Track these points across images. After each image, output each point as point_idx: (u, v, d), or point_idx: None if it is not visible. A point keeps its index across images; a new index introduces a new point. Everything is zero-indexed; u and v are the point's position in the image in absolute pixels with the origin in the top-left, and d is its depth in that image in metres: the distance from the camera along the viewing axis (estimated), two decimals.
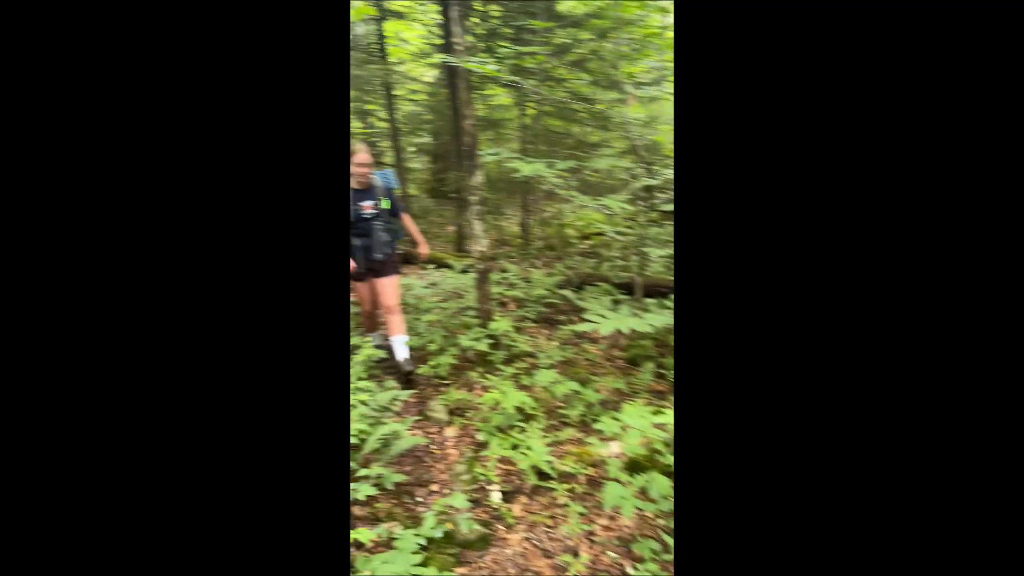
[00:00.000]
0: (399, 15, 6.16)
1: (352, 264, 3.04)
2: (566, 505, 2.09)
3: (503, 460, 2.36)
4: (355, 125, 8.51)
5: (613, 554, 1.88)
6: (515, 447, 2.41)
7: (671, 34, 4.24)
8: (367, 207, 3.02)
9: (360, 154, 2.95)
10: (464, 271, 4.98)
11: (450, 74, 5.59)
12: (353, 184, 2.98)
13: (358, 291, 3.19)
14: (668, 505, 1.86)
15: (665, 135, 5.70)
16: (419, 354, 3.42)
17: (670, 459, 2.03)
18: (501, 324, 3.06)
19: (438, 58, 5.15)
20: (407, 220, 3.23)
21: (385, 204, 3.07)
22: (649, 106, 6.55)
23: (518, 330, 3.59)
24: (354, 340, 3.37)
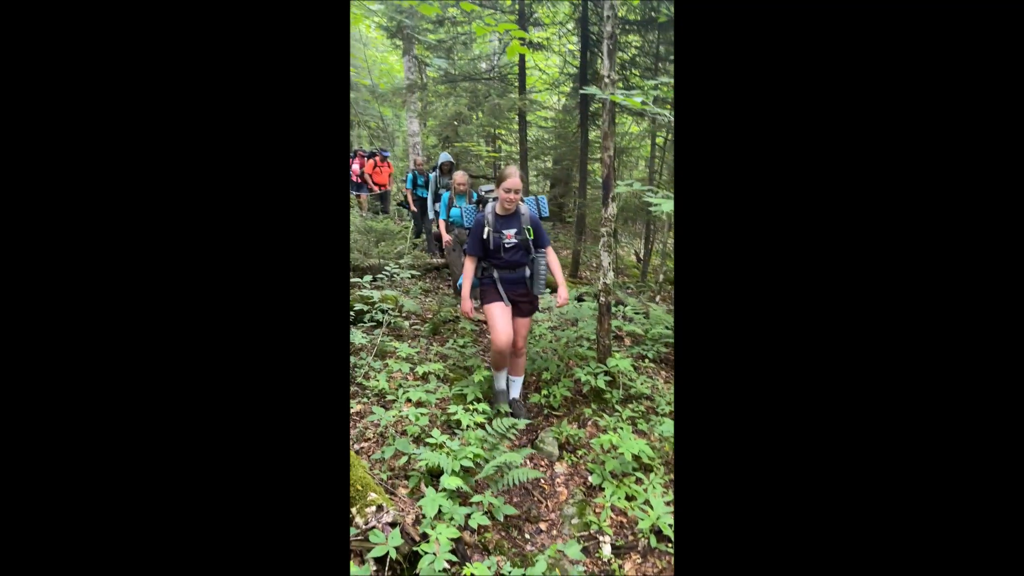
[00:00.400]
0: (539, 46, 6.38)
1: (491, 294, 2.75)
2: None
3: (616, 510, 2.23)
4: (483, 148, 8.94)
5: None
6: (630, 498, 2.26)
7: None
8: (510, 235, 2.70)
9: (512, 178, 2.63)
10: (579, 299, 4.91)
11: (584, 103, 5.63)
12: (498, 209, 2.72)
13: (495, 327, 2.71)
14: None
15: None
16: (533, 380, 3.40)
17: None
18: (621, 362, 2.93)
19: (576, 89, 5.21)
20: (551, 255, 2.84)
21: (529, 234, 2.73)
22: None
23: (636, 369, 3.43)
24: (470, 361, 3.45)
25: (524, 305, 2.82)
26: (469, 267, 2.78)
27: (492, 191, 2.98)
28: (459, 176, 4.65)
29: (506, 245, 2.70)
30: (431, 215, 5.50)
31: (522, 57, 6.16)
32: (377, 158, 7.88)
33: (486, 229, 2.68)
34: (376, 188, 7.97)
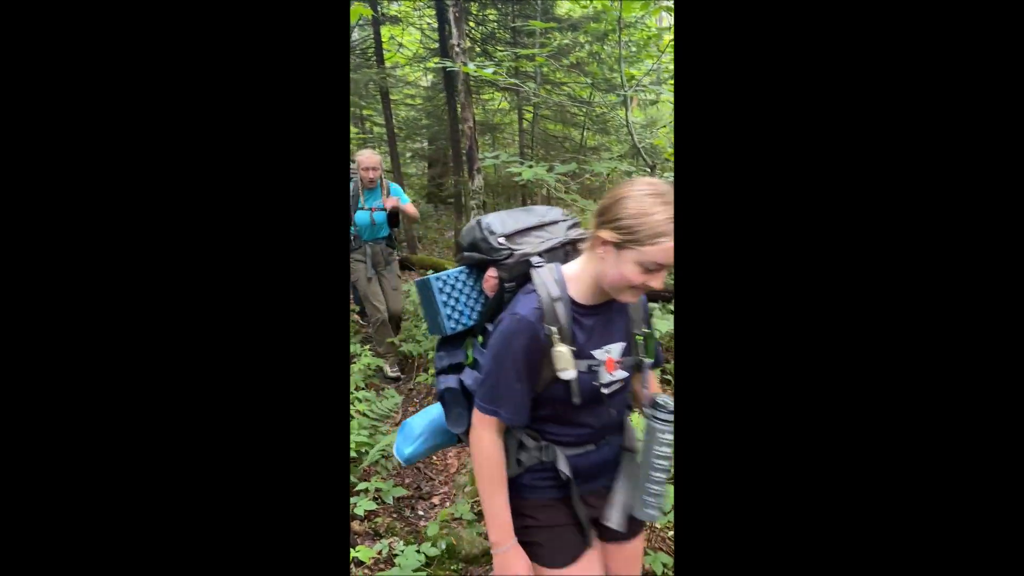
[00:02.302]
0: (396, 19, 6.14)
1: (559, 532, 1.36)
2: None
3: None
4: (352, 130, 8.48)
5: None
6: None
7: (670, 36, 4.22)
8: (611, 362, 0.95)
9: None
10: None
11: (448, 78, 5.56)
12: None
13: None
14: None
15: (665, 138, 5.68)
16: (418, 362, 3.36)
17: None
18: None
19: (436, 63, 5.12)
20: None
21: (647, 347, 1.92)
22: (648, 109, 6.54)
23: None
24: (353, 348, 3.31)
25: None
26: (497, 455, 0.99)
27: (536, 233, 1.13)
28: (365, 157, 2.98)
29: (606, 381, 1.00)
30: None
31: (376, 29, 5.89)
32: None
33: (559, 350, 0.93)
34: None
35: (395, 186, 3.23)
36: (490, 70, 2.72)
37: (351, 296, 3.62)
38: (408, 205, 3.20)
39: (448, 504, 2.16)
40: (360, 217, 3.08)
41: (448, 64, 2.67)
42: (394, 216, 3.12)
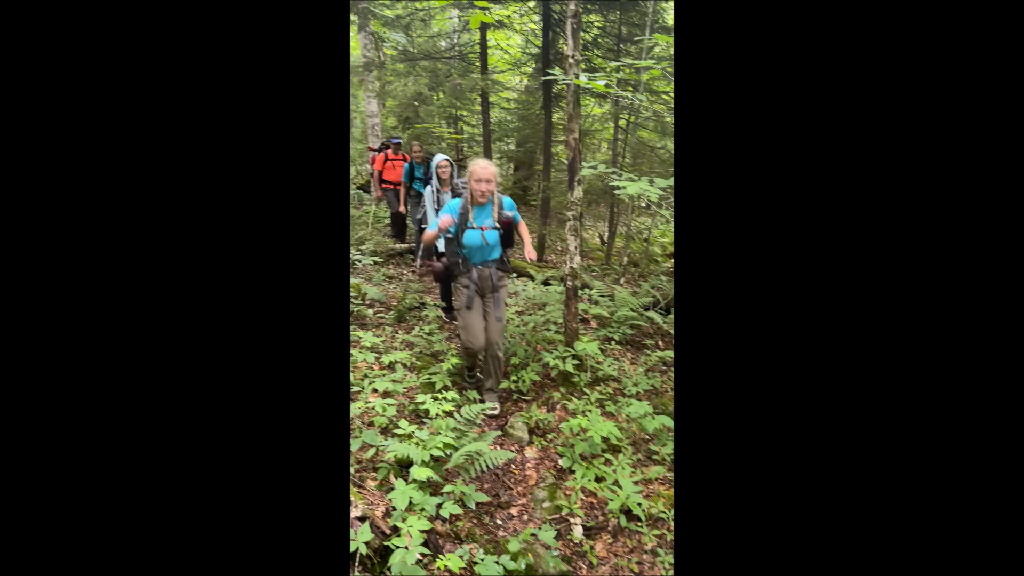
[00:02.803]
0: (500, 24, 6.24)
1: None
2: (655, 553, 1.95)
3: (586, 491, 2.26)
4: (444, 130, 8.76)
5: None
6: (599, 479, 2.30)
7: None
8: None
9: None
10: (546, 283, 4.91)
11: (547, 85, 5.57)
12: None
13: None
14: None
15: None
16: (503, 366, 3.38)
17: None
18: (588, 345, 2.95)
19: (538, 71, 5.13)
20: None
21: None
22: None
23: (603, 352, 3.47)
24: (438, 346, 3.40)
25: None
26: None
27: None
28: (480, 168, 2.74)
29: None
30: (421, 215, 4.14)
31: (483, 35, 6.01)
32: (389, 151, 5.87)
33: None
34: (384, 189, 5.93)
35: (508, 200, 2.85)
36: (602, 82, 2.68)
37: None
38: (522, 224, 2.89)
39: (525, 516, 2.15)
40: (469, 237, 2.70)
41: (559, 75, 2.66)
42: (508, 235, 2.82)
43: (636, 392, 2.97)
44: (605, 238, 6.86)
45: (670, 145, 6.62)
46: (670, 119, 6.05)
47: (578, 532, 2.08)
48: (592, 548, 2.00)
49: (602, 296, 4.46)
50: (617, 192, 2.94)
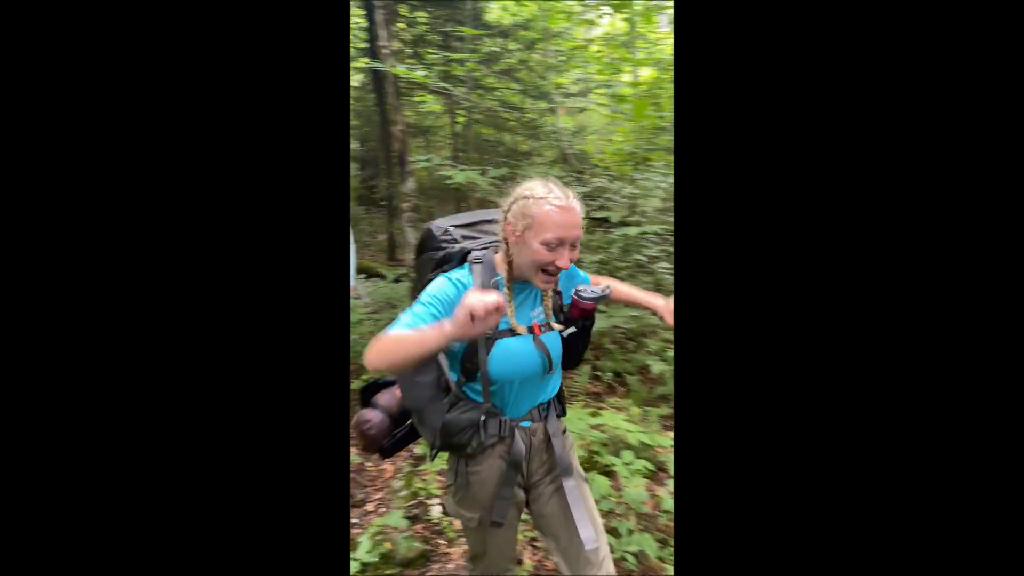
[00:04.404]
0: None
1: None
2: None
3: (442, 472, 2.31)
4: None
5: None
6: None
7: (594, 48, 4.41)
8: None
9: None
10: (397, 280, 4.85)
11: (377, 80, 5.46)
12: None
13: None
14: (607, 504, 1.90)
15: (593, 144, 5.91)
16: (351, 368, 3.27)
17: (608, 459, 2.07)
18: None
19: (363, 63, 5.01)
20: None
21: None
22: (577, 116, 6.77)
23: None
24: None
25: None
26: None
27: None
28: (561, 216, 0.95)
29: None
30: None
31: None
32: None
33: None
34: None
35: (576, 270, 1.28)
36: (421, 73, 2.73)
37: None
38: (612, 281, 1.32)
39: (383, 509, 2.13)
40: (506, 354, 1.04)
41: (377, 65, 2.65)
42: (582, 339, 1.16)
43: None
44: None
45: (507, 139, 6.95)
46: (506, 115, 6.37)
47: (436, 511, 2.12)
48: (451, 523, 2.06)
49: None
50: (448, 183, 3.03)
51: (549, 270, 1.01)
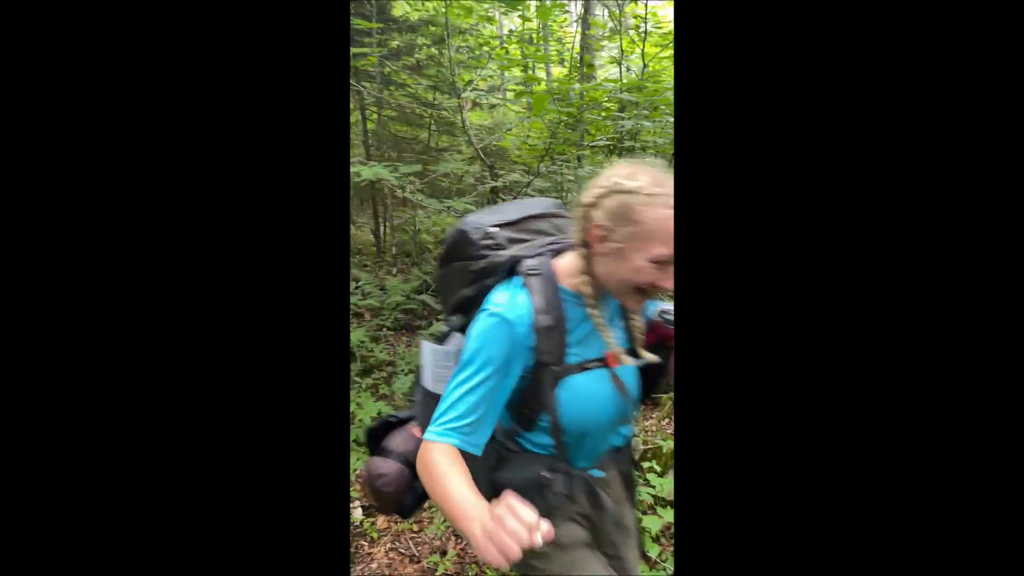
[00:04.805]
0: None
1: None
2: (429, 507, 2.08)
3: (362, 475, 2.27)
4: None
5: None
6: None
7: (507, 47, 4.48)
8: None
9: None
10: None
11: None
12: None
13: None
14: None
15: (510, 140, 6.00)
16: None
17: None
18: (355, 335, 2.92)
19: None
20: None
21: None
22: (491, 112, 6.84)
23: (375, 340, 3.48)
24: None
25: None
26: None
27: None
28: (659, 232, 0.88)
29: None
30: None
31: None
32: None
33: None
34: None
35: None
36: None
37: None
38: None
39: None
40: (582, 392, 0.84)
41: None
42: (658, 372, 0.97)
43: (409, 370, 3.08)
44: (375, 232, 6.79)
45: (422, 136, 6.87)
46: (419, 111, 6.29)
47: (357, 514, 2.09)
48: (373, 524, 2.04)
49: (373, 287, 4.45)
50: (357, 180, 2.96)
51: (648, 291, 0.78)
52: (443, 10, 4.16)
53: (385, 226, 6.63)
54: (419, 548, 1.95)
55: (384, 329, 3.76)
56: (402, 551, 1.94)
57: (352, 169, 2.99)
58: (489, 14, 3.22)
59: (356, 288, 4.42)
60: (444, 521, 2.01)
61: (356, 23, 3.69)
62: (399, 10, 5.68)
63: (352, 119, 7.38)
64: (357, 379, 2.97)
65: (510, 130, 6.15)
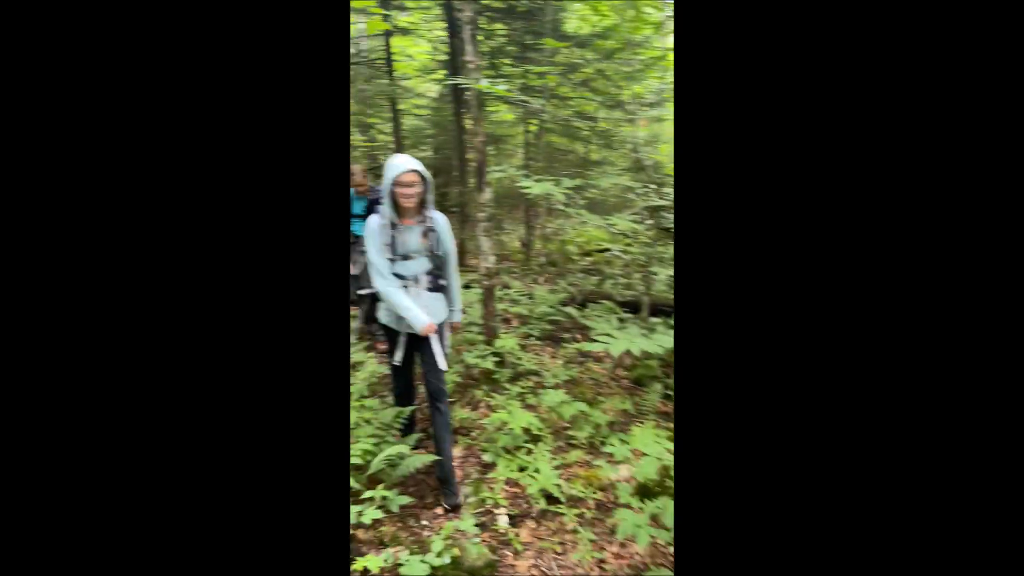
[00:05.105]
0: (405, 31, 6.22)
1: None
2: (575, 531, 2.04)
3: (510, 482, 2.32)
4: (357, 139, 8.54)
5: None
6: (522, 469, 2.37)
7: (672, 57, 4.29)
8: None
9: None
10: (467, 286, 4.95)
11: (456, 91, 5.63)
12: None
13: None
14: None
15: (668, 154, 5.74)
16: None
17: None
18: (507, 342, 3.02)
19: (447, 77, 5.17)
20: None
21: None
22: (652, 126, 6.62)
23: (523, 348, 3.56)
24: (356, 356, 3.32)
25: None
26: None
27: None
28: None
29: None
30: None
31: (388, 41, 5.96)
32: None
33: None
34: None
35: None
36: (503, 87, 2.78)
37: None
38: None
39: (452, 515, 2.17)
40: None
41: (461, 81, 2.72)
42: None
43: (555, 383, 3.09)
44: (524, 241, 7.02)
45: (579, 149, 6.92)
46: (577, 124, 6.35)
47: (503, 522, 2.13)
48: (517, 535, 2.06)
49: (521, 295, 4.58)
50: (524, 192, 3.05)
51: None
52: (619, 23, 4.13)
53: (532, 235, 6.81)
54: (562, 572, 1.92)
55: (531, 337, 3.83)
56: (544, 570, 1.93)
57: (522, 183, 3.09)
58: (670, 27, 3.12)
59: (505, 294, 4.59)
60: (589, 549, 1.96)
61: (538, 42, 3.82)
62: (571, 25, 5.79)
63: (513, 131, 7.73)
64: (507, 385, 3.06)
65: (666, 143, 5.88)
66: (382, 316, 2.21)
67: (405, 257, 2.06)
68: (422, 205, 2.05)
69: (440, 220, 2.11)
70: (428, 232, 2.07)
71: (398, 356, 2.21)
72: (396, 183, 1.93)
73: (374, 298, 2.23)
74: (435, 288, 2.16)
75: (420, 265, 2.10)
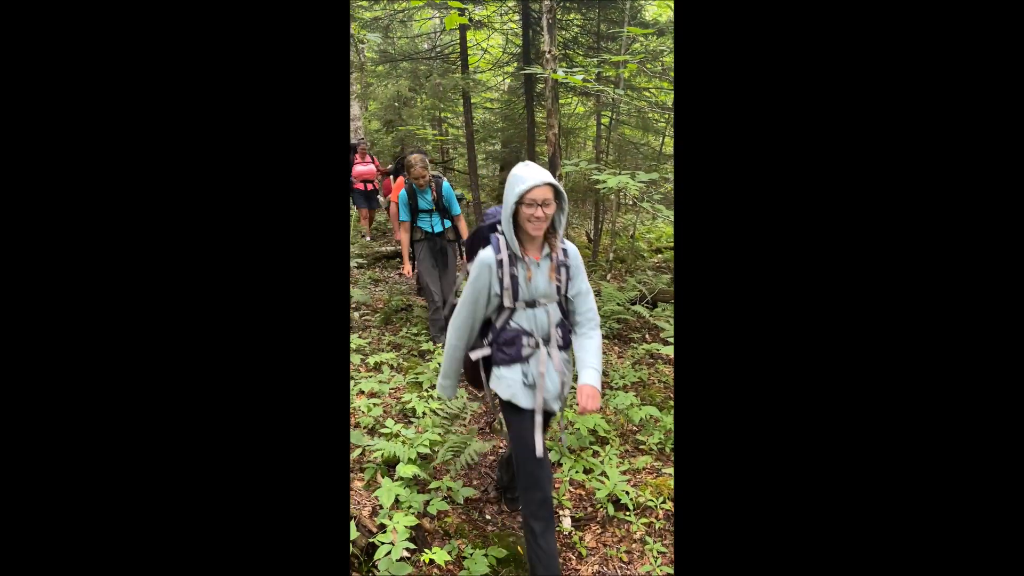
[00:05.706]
0: (480, 24, 6.25)
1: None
2: (644, 541, 1.95)
3: (575, 483, 2.26)
4: (428, 132, 8.75)
5: None
6: (587, 471, 2.31)
7: None
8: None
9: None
10: None
11: (528, 83, 5.59)
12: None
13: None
14: None
15: None
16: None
17: None
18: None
19: (515, 68, 5.14)
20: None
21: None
22: None
23: None
24: (426, 345, 3.38)
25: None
26: None
27: None
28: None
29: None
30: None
31: (463, 35, 6.02)
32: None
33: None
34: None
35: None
36: (579, 77, 2.70)
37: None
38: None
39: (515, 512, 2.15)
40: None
41: (538, 71, 2.67)
42: None
43: (623, 384, 2.99)
44: (592, 235, 6.89)
45: (653, 141, 6.66)
46: (652, 115, 6.11)
47: (567, 523, 2.08)
48: (581, 539, 2.01)
49: None
50: (599, 187, 2.96)
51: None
52: None
53: (601, 230, 6.66)
54: None
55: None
56: None
57: (595, 176, 3.00)
58: None
59: None
60: (659, 561, 1.87)
61: (615, 30, 3.69)
62: (650, 12, 5.56)
63: (583, 123, 7.59)
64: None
65: None
66: (502, 389, 1.55)
67: (530, 304, 1.49)
68: (552, 232, 1.46)
69: (573, 252, 1.54)
70: (561, 268, 1.49)
71: (539, 444, 1.52)
72: (523, 201, 1.37)
73: (488, 361, 1.59)
74: (566, 345, 1.59)
75: (551, 315, 1.52)
